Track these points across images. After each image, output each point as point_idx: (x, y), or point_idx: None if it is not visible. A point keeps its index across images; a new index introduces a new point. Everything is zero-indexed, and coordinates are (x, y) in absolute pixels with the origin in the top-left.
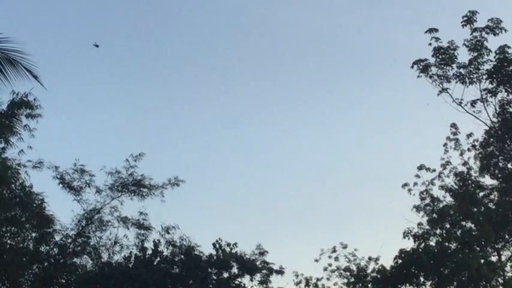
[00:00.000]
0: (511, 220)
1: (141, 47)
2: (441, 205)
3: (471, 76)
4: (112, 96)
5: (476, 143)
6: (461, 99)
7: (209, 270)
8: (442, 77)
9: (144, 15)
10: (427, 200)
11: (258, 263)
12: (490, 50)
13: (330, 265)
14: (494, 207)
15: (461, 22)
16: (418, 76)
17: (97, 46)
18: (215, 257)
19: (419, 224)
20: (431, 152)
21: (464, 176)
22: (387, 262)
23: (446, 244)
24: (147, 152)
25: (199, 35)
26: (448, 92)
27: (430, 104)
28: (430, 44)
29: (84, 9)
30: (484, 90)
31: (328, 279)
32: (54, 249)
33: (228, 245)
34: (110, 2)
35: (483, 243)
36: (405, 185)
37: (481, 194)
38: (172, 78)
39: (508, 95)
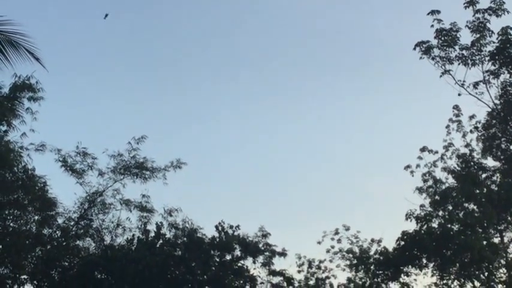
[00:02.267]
0: None
1: (147, 31)
2: (443, 187)
3: (473, 58)
4: (115, 78)
5: (478, 125)
6: (464, 81)
7: (212, 252)
8: (444, 59)
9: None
10: (430, 182)
11: (260, 245)
12: (492, 32)
13: (332, 247)
14: (496, 189)
15: (464, 4)
16: (421, 58)
17: (107, 15)
18: (218, 239)
19: (422, 206)
20: (434, 134)
21: (466, 157)
22: (390, 244)
23: (449, 226)
24: (149, 134)
25: (205, 21)
26: (450, 74)
27: (432, 86)
28: (432, 25)
29: None
30: (487, 71)
31: (330, 261)
32: (57, 232)
33: (231, 227)
34: None
35: (485, 225)
36: (407, 167)
37: (484, 175)
38: (175, 61)
39: (510, 77)
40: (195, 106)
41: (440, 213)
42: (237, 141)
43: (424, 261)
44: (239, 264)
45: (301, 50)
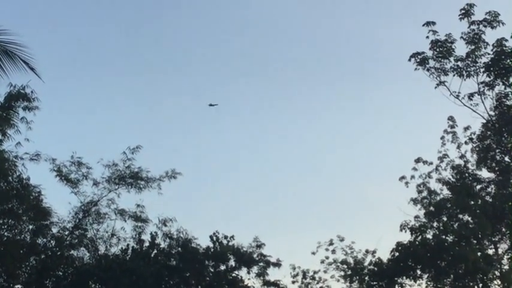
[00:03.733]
0: (508, 213)
1: (139, 40)
2: (438, 198)
3: (468, 69)
4: (110, 88)
5: (473, 136)
6: (459, 92)
7: (206, 262)
8: (439, 70)
9: (141, 9)
10: (424, 193)
11: (255, 255)
12: (487, 43)
13: (327, 258)
14: (491, 200)
15: (459, 15)
16: (416, 69)
17: None
18: (212, 250)
19: (416, 216)
20: (429, 145)
21: (461, 169)
22: (384, 255)
23: (443, 237)
24: (144, 144)
25: (200, 27)
26: (445, 85)
27: (427, 97)
28: (427, 37)
29: (83, 3)
30: (482, 83)
31: (325, 271)
32: (52, 241)
33: (225, 237)
34: None
35: (480, 236)
36: (402, 178)
37: (478, 187)
38: (169, 71)
39: (505, 88)
40: (191, 115)
41: (435, 224)
42: (232, 151)
43: (419, 272)
44: (233, 275)
45: (296, 61)
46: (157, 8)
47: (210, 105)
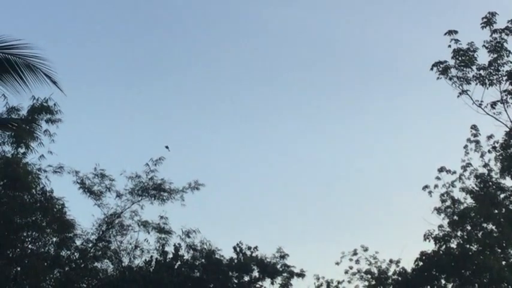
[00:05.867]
0: None
1: (163, 49)
2: (462, 207)
3: (491, 78)
4: (132, 100)
5: (496, 145)
6: (481, 101)
7: (230, 273)
8: (461, 79)
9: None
10: (448, 202)
11: (278, 266)
12: (510, 52)
13: (351, 268)
14: None
15: (481, 24)
16: (438, 78)
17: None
18: (236, 261)
19: (440, 226)
20: (452, 154)
21: (484, 177)
22: (408, 264)
23: (467, 246)
24: (167, 156)
25: (213, 33)
26: (468, 94)
27: (450, 106)
28: (449, 45)
29: (101, 11)
30: (504, 91)
31: (349, 282)
32: (75, 253)
33: (249, 248)
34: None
35: (504, 245)
36: (426, 187)
37: (502, 195)
38: (192, 80)
39: None
40: (213, 125)
41: (459, 233)
42: (255, 160)
43: (443, 281)
44: (257, 286)
45: (318, 68)
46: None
47: (166, 147)
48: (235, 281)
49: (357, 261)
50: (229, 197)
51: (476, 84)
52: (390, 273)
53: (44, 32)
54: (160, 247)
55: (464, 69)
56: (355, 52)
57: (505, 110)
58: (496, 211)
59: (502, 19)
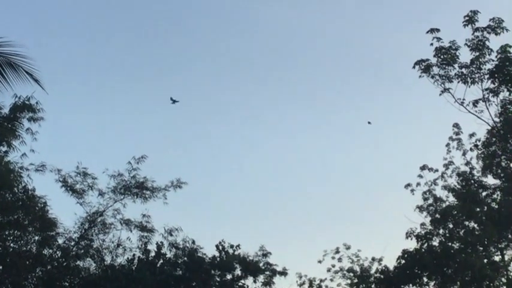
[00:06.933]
0: None
1: (142, 47)
2: (444, 205)
3: (473, 76)
4: (114, 98)
5: (478, 143)
6: (463, 99)
7: (212, 272)
8: (444, 77)
9: (147, 14)
10: (430, 200)
11: (261, 264)
12: (491, 50)
13: (333, 266)
14: (497, 206)
15: (463, 22)
16: (420, 76)
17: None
18: (218, 259)
19: (422, 224)
20: (434, 152)
21: (467, 175)
22: (390, 263)
23: (449, 244)
24: (149, 154)
25: (201, 33)
26: (450, 92)
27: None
28: (431, 44)
29: (85, 7)
30: (486, 89)
31: (331, 280)
32: (57, 252)
33: (231, 246)
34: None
35: (486, 243)
36: (408, 185)
37: (484, 193)
38: (173, 78)
39: (509, 95)
40: (196, 123)
41: (441, 231)
42: (237, 159)
43: (425, 279)
44: (240, 284)
45: (300, 68)
46: (163, 11)
47: (172, 101)
48: (218, 279)
49: (340, 260)
50: (212, 196)
51: (459, 82)
52: (372, 271)
53: (27, 30)
54: (143, 245)
55: (447, 67)
56: (334, 48)
57: (487, 108)
58: (478, 209)
59: (483, 17)
